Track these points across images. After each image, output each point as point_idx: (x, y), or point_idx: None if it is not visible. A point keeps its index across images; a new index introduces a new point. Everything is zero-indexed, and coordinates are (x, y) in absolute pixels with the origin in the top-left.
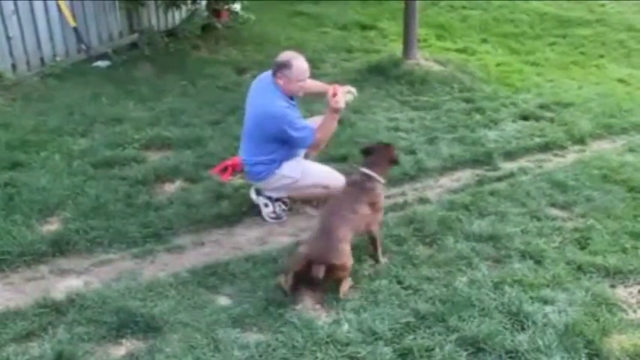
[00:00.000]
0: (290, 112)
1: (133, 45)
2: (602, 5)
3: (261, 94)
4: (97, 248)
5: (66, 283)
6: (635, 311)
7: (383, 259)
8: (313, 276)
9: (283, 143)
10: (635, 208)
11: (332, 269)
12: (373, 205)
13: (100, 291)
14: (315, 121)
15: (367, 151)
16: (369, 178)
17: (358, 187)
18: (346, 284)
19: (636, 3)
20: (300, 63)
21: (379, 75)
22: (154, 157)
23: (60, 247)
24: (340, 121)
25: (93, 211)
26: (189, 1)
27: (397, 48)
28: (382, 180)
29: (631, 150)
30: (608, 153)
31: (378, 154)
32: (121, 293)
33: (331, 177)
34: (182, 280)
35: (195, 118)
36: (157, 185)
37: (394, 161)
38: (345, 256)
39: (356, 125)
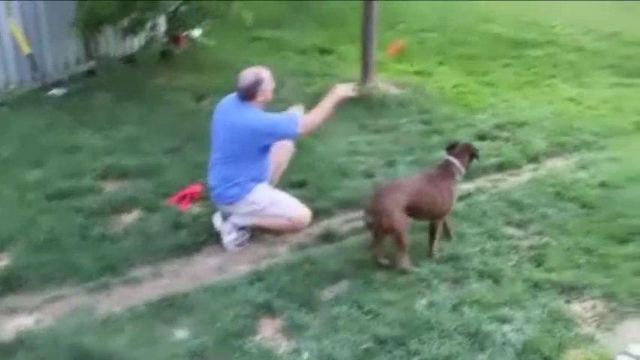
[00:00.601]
0: (266, 113)
1: (90, 72)
2: (553, 27)
3: (235, 113)
4: (50, 284)
5: (16, 322)
6: (589, 325)
7: (436, 253)
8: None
9: (263, 155)
10: (588, 224)
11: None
12: (447, 192)
13: (53, 328)
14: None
15: (451, 146)
16: (452, 164)
17: (442, 170)
18: (403, 255)
19: (584, 25)
20: (265, 72)
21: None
22: (111, 187)
23: (10, 284)
24: (299, 146)
25: (46, 245)
26: (147, 28)
27: (356, 72)
28: (462, 170)
29: (582, 167)
30: (562, 170)
31: (460, 148)
32: (75, 330)
33: (297, 210)
34: (139, 314)
35: (153, 146)
36: (114, 216)
37: (474, 155)
38: (395, 220)
39: (315, 150)
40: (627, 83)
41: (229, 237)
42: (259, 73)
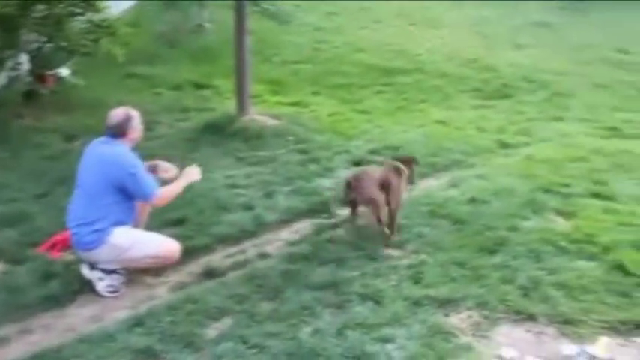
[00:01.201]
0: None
1: None
2: (419, 55)
3: (104, 147)
4: None
5: None
6: (466, 335)
7: (394, 237)
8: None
9: (124, 196)
10: (460, 239)
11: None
12: (403, 185)
13: None
14: None
15: (396, 159)
16: (400, 168)
17: (395, 170)
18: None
19: (446, 53)
20: (134, 111)
21: (215, 133)
22: None
23: None
24: None
25: None
26: (8, 67)
27: (232, 105)
28: (407, 172)
29: (453, 185)
30: (434, 190)
31: (405, 158)
32: None
33: (162, 245)
34: None
35: (18, 192)
36: None
37: (414, 162)
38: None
39: (193, 186)
40: (488, 105)
41: (102, 283)
42: (129, 110)
